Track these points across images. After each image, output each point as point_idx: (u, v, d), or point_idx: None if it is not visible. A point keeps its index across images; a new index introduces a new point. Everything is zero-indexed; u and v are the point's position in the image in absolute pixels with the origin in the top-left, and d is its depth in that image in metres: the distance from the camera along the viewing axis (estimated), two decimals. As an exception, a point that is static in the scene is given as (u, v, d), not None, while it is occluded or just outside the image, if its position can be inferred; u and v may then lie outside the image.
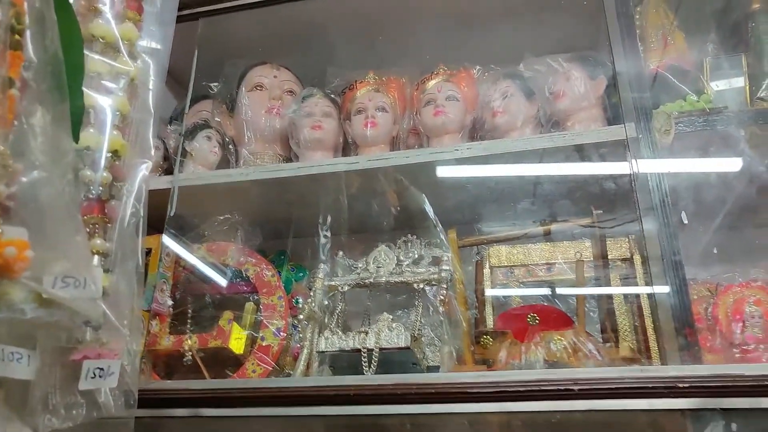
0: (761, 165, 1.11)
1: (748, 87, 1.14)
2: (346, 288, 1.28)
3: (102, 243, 0.78)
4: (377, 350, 1.08)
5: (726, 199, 1.11)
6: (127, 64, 0.86)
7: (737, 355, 0.98)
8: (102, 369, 0.73)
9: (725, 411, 0.87)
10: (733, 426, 0.86)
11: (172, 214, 1.37)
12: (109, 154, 0.82)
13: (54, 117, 0.61)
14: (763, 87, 1.12)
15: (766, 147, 1.11)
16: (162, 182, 1.40)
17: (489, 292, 1.25)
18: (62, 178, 0.61)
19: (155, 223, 1.33)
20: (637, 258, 1.17)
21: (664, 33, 1.25)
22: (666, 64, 1.22)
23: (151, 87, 0.94)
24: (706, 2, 1.30)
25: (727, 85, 1.14)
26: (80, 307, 0.66)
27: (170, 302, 1.38)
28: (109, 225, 0.81)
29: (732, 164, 1.12)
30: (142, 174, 0.90)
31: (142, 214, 0.92)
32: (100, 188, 0.80)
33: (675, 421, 0.92)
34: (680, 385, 0.88)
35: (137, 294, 0.88)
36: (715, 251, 1.07)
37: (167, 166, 1.55)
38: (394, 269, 1.26)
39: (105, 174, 0.81)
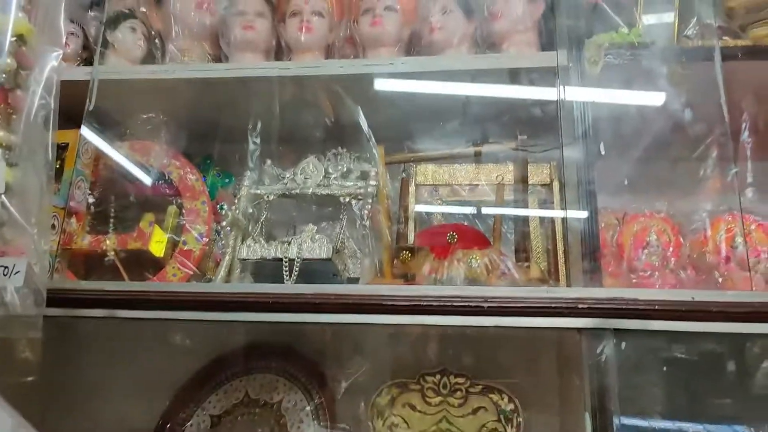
0: (679, 102, 1.15)
1: (677, 24, 1.17)
2: (271, 197, 1.28)
3: (5, 135, 0.74)
4: (299, 260, 1.09)
5: (643, 133, 1.15)
6: (37, -61, 0.78)
7: (634, 281, 1.06)
8: (6, 267, 0.71)
9: (617, 331, 0.94)
10: (623, 345, 0.94)
11: (90, 108, 1.30)
12: (14, 39, 0.75)
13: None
14: (690, 25, 1.15)
15: (686, 85, 1.15)
16: (80, 73, 1.31)
17: (416, 208, 1.28)
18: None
19: (74, 117, 1.27)
20: (555, 184, 1.22)
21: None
22: (604, -7, 1.22)
23: (63, -33, 0.86)
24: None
25: (658, 20, 1.16)
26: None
27: (91, 200, 1.34)
28: (13, 116, 0.76)
29: (653, 99, 1.16)
30: (51, 64, 0.84)
31: (52, 107, 0.86)
32: (3, 75, 0.74)
33: (573, 338, 0.99)
34: (580, 306, 0.94)
35: (47, 190, 0.85)
36: (625, 182, 1.12)
37: (87, 56, 1.45)
38: (321, 181, 1.26)
39: (9, 60, 0.75)
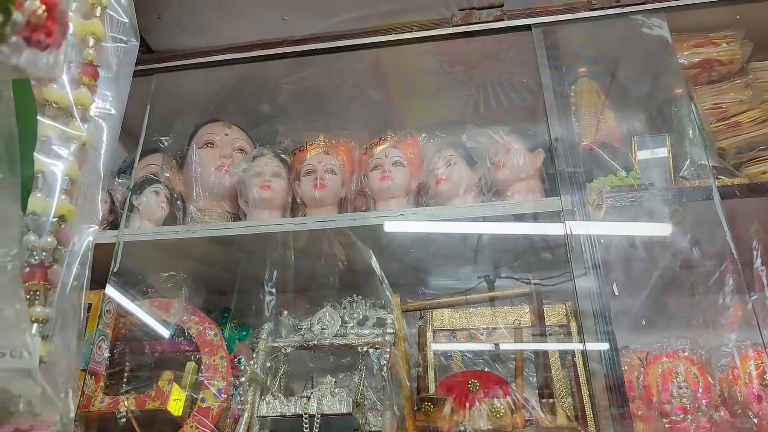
0: (685, 238, 1.19)
1: (671, 165, 1.23)
2: (289, 350, 1.27)
3: (42, 310, 0.76)
4: (319, 416, 1.07)
5: (653, 269, 1.18)
6: (80, 129, 0.86)
7: (667, 426, 1.03)
8: (30, 443, 0.70)
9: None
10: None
11: (115, 270, 1.35)
12: (55, 219, 0.81)
13: (2, 187, 0.60)
14: (685, 167, 1.21)
15: (689, 222, 1.19)
16: (107, 237, 1.37)
17: (434, 347, 1.28)
18: (7, 250, 0.60)
19: (97, 278, 1.30)
20: (573, 325, 1.23)
21: (596, 112, 1.34)
22: (598, 140, 1.31)
23: (102, 151, 0.94)
24: (634, 85, 1.41)
25: (653, 162, 1.23)
26: (16, 388, 0.63)
27: (107, 355, 1.34)
28: (50, 290, 0.79)
29: (658, 235, 1.19)
30: (88, 239, 0.89)
31: (86, 276, 0.90)
32: (44, 254, 0.79)
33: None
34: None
35: (77, 356, 0.86)
36: (643, 322, 1.13)
37: (113, 219, 1.53)
38: (338, 330, 1.26)
39: (50, 239, 0.80)
